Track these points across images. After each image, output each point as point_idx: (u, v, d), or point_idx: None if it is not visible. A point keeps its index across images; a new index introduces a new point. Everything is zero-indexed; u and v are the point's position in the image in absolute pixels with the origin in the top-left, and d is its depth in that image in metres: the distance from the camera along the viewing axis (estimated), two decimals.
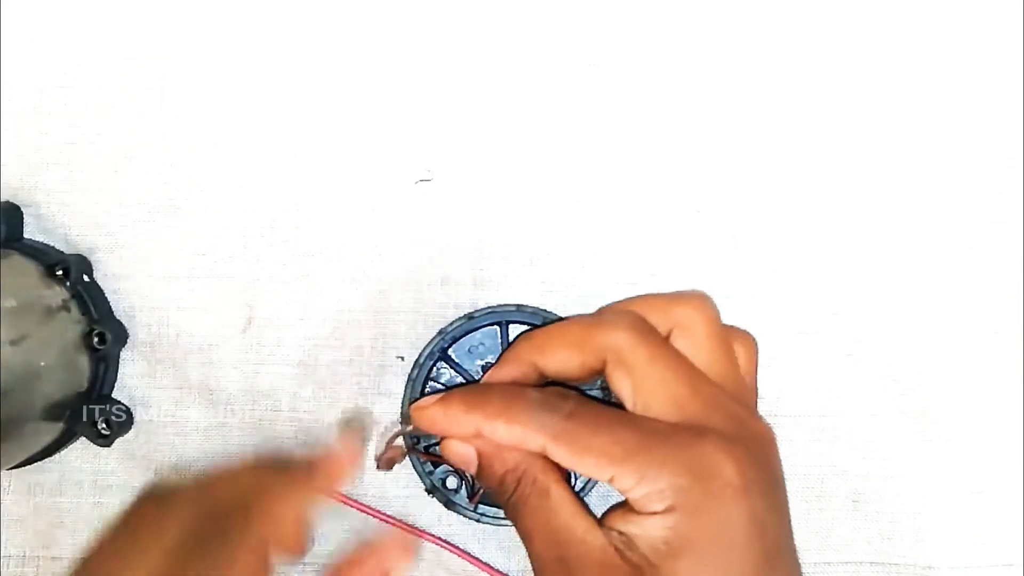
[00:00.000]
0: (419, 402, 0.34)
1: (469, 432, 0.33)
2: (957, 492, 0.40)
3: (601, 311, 0.36)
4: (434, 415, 0.33)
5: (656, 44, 0.41)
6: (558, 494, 0.32)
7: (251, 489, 0.33)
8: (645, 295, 0.36)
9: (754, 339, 0.35)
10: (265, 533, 0.31)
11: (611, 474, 0.31)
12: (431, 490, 0.38)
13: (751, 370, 0.35)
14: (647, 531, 0.30)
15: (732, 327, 0.35)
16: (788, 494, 0.40)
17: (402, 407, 0.38)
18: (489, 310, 0.39)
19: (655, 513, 0.30)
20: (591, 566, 0.31)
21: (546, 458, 0.33)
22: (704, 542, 0.30)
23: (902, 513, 0.40)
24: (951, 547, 0.40)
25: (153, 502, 0.32)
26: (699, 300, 0.35)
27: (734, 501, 0.30)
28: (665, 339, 0.34)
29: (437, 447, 0.38)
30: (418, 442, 0.38)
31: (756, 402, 0.35)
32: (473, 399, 0.33)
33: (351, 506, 0.39)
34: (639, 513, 0.31)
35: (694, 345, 0.34)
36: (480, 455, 0.34)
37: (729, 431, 0.32)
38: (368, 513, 0.39)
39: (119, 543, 0.31)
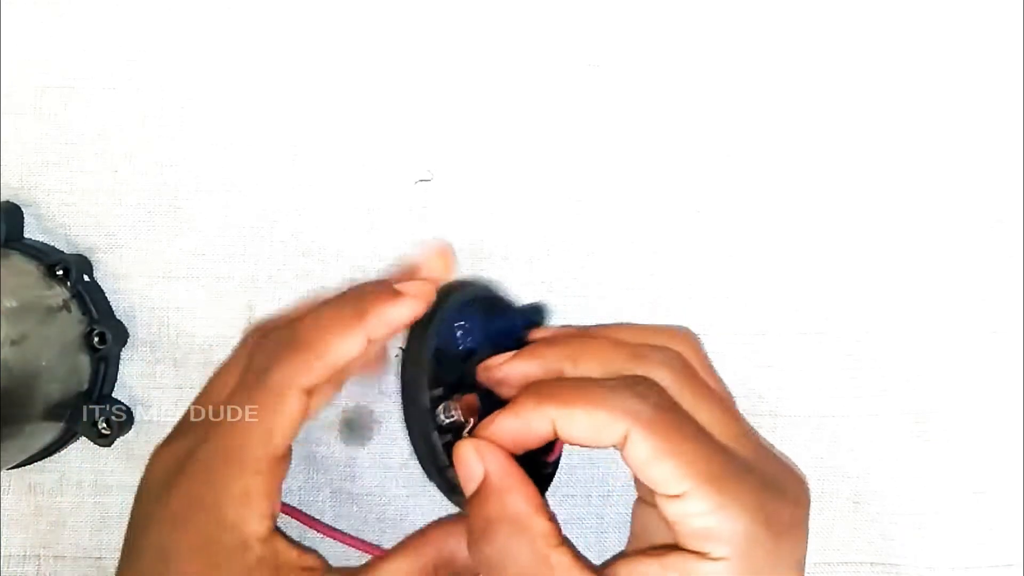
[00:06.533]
0: (487, 420, 0.31)
1: (545, 429, 0.30)
2: (957, 492, 0.40)
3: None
4: (506, 425, 0.30)
5: (656, 45, 0.41)
6: (560, 562, 0.29)
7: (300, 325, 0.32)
8: (630, 328, 0.35)
9: None
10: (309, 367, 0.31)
11: (684, 490, 0.28)
12: (442, 468, 0.32)
13: None
14: None
15: (665, 328, 0.35)
16: None
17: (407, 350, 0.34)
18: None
19: (710, 558, 0.27)
20: None
21: (550, 519, 0.30)
22: None
23: (902, 513, 0.40)
24: (951, 547, 0.40)
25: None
26: (687, 337, 0.33)
27: (788, 570, 0.28)
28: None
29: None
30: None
31: None
32: (546, 392, 0.30)
33: (306, 524, 0.35)
34: (688, 553, 0.28)
35: None
36: (486, 480, 0.30)
37: (784, 486, 0.30)
38: (323, 532, 0.35)
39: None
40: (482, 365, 0.33)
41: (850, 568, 0.40)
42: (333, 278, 0.40)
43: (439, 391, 0.33)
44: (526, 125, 0.41)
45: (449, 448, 0.32)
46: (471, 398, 0.34)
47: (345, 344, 0.31)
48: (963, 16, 0.41)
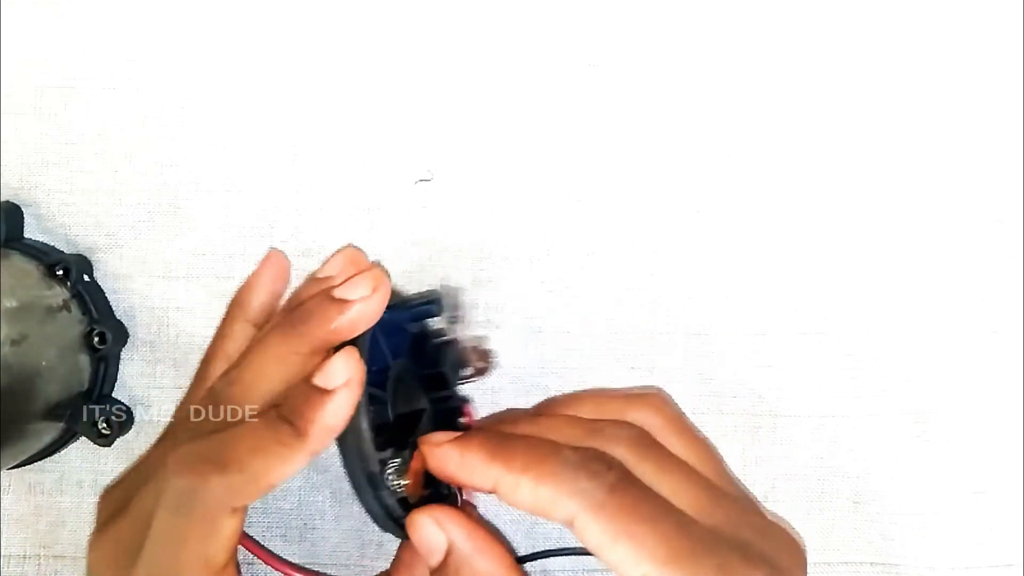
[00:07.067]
0: (433, 436, 0.31)
1: (486, 484, 0.29)
2: (957, 492, 0.40)
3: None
4: (448, 455, 0.29)
5: (655, 45, 0.41)
6: None
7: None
8: (593, 396, 0.33)
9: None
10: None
11: (642, 573, 0.27)
12: (399, 520, 0.31)
13: None
14: None
15: (630, 395, 0.33)
16: (789, 494, 0.40)
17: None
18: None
19: None
20: None
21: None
22: None
23: (902, 513, 0.40)
24: (951, 547, 0.40)
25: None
26: (656, 400, 0.32)
27: None
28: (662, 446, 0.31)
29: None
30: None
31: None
32: (497, 447, 0.29)
33: (265, 561, 0.35)
34: None
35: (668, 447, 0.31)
36: (450, 551, 0.29)
37: (761, 550, 0.29)
38: (279, 569, 0.35)
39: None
40: (424, 442, 0.31)
41: (850, 568, 0.40)
42: None
43: (387, 453, 0.31)
44: (526, 125, 0.41)
45: (403, 502, 0.31)
46: (416, 464, 0.31)
47: (286, 467, 0.29)
48: (963, 16, 0.41)
